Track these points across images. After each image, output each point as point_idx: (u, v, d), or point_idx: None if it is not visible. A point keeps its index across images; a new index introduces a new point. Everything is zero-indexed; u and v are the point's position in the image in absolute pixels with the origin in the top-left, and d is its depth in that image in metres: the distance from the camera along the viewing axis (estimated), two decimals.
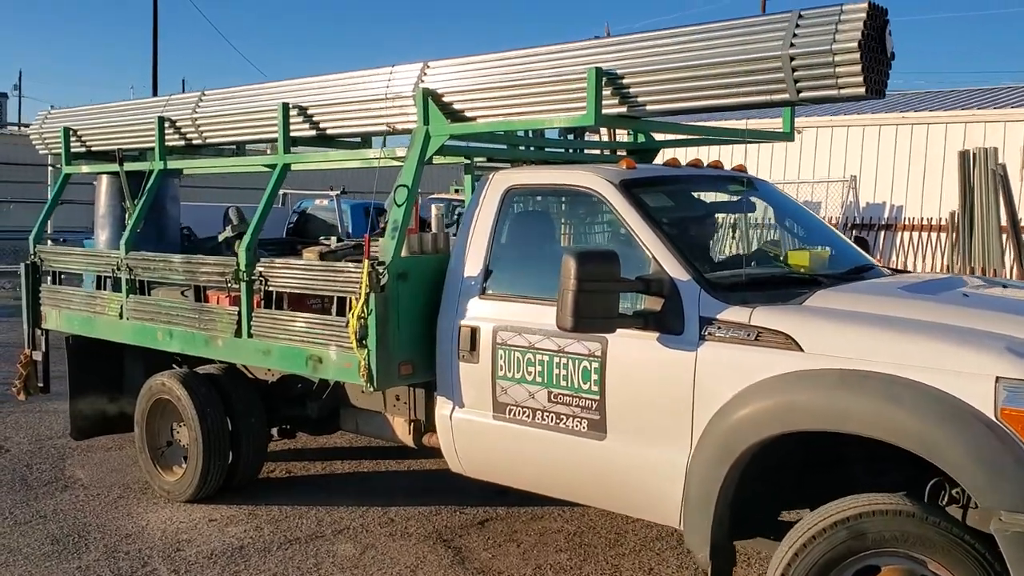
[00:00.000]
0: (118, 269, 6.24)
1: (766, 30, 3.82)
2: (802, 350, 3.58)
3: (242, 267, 5.35)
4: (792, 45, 3.71)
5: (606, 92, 4.23)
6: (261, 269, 5.34)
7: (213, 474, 5.87)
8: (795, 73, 3.72)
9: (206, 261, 5.70)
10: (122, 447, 7.27)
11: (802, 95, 3.77)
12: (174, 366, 6.78)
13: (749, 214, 4.98)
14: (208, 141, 6.30)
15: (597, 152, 6.24)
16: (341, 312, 4.97)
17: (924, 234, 13.53)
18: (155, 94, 31.42)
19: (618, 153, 6.28)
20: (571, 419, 4.24)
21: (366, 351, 4.64)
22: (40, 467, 6.80)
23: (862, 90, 3.62)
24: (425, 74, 4.98)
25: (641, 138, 6.12)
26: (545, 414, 4.33)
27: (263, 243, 6.28)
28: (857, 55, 3.56)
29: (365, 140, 5.99)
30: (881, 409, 3.30)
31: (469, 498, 6.01)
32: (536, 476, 4.51)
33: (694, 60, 4.00)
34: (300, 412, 6.23)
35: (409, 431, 5.49)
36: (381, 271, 4.60)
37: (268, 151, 7.32)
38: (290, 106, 5.52)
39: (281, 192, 15.64)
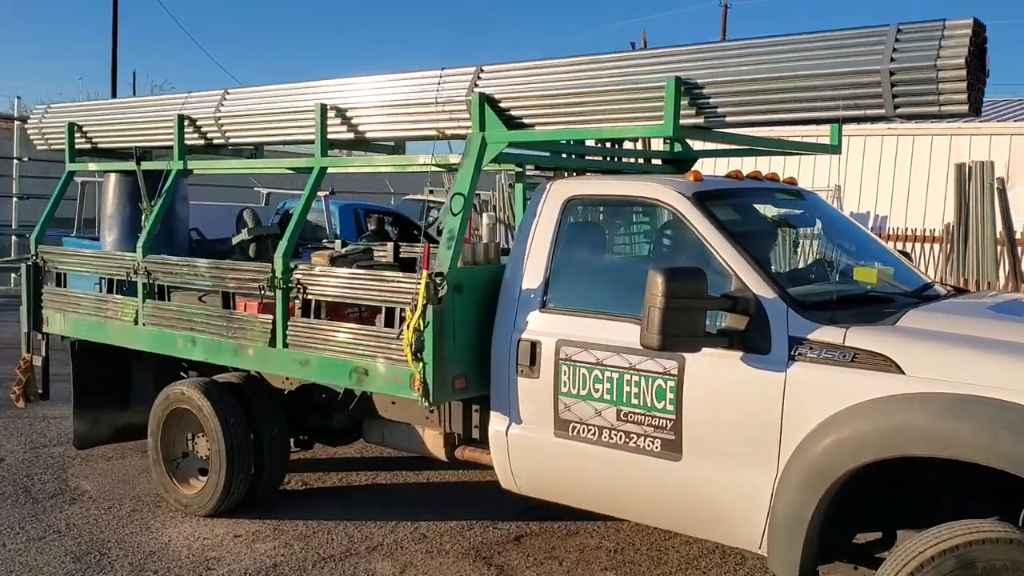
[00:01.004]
0: (135, 273, 5.97)
1: (864, 43, 3.73)
2: (903, 373, 3.49)
3: (279, 274, 5.14)
4: (892, 60, 3.62)
5: (683, 102, 4.11)
6: (299, 276, 5.14)
7: (236, 487, 5.64)
8: (894, 88, 3.64)
9: (238, 266, 5.48)
10: (124, 456, 7.00)
11: (899, 111, 3.69)
12: (183, 374, 6.55)
13: (807, 228, 4.91)
14: (231, 141, 6.07)
15: (637, 160, 6.12)
16: (389, 323, 4.80)
17: (909, 244, 13.68)
18: (114, 88, 30.69)
19: (653, 162, 6.17)
20: (642, 438, 4.11)
21: (421, 364, 4.47)
22: (41, 477, 6.49)
23: (965, 108, 3.55)
24: (479, 78, 4.82)
25: (677, 147, 6.02)
26: (613, 433, 4.20)
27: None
28: (963, 72, 3.49)
29: (399, 145, 5.81)
30: (996, 436, 3.22)
31: (499, 512, 5.85)
32: (600, 496, 4.37)
33: (783, 72, 3.89)
34: (323, 422, 6.04)
35: (443, 444, 5.35)
36: (440, 282, 4.43)
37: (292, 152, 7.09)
38: (327, 107, 5.32)
39: (265, 191, 15.32)
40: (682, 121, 4.12)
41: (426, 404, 4.55)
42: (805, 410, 3.68)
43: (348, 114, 5.33)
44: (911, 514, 3.82)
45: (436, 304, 4.44)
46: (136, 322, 5.97)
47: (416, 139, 5.38)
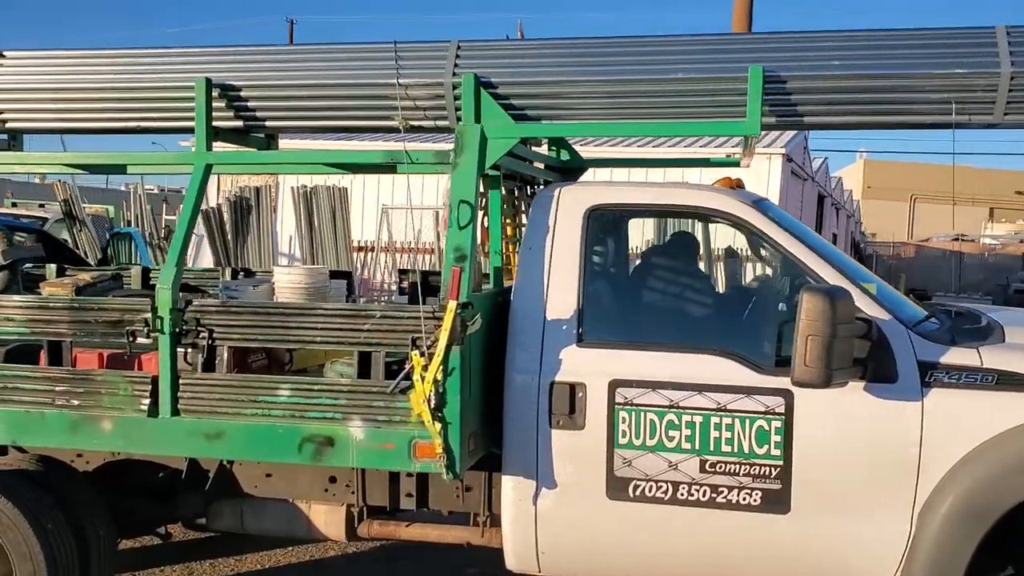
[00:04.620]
0: None
1: (974, 44, 3.48)
2: None
3: (165, 311, 3.64)
4: (1013, 63, 3.41)
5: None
6: (195, 314, 3.68)
7: None
8: (1011, 93, 3.43)
9: (86, 304, 3.79)
10: None
11: (1007, 117, 3.50)
12: None
13: None
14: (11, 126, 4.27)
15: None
16: (363, 371, 3.60)
17: None
18: None
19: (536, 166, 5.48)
20: (737, 492, 3.47)
21: (440, 425, 3.39)
22: None
23: None
24: (459, 58, 3.82)
25: (564, 155, 5.39)
26: (695, 488, 3.50)
27: None
28: None
29: (272, 136, 4.49)
30: None
31: None
32: (676, 568, 3.62)
33: (885, 69, 3.51)
34: (155, 511, 4.51)
35: (343, 521, 4.24)
36: (468, 316, 3.39)
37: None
38: (212, 84, 3.90)
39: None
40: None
41: (450, 477, 3.45)
42: (947, 443, 3.32)
43: (245, 94, 3.96)
44: None
45: (461, 344, 3.39)
46: None
47: (358, 131, 4.17)
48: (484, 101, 3.72)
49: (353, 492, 4.17)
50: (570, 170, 5.30)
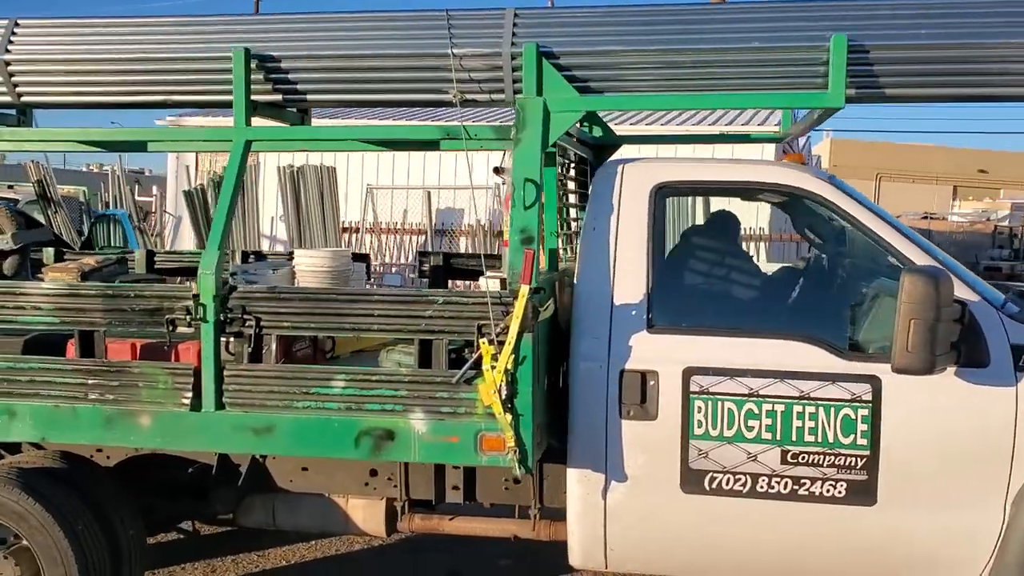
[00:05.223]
0: None
1: None
2: None
3: (210, 297, 3.40)
4: None
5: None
6: (241, 301, 3.44)
7: None
8: None
9: (122, 291, 3.53)
10: None
11: None
12: None
13: None
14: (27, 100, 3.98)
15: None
16: (425, 360, 3.39)
17: None
18: None
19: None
20: (820, 483, 3.31)
21: (511, 417, 3.19)
22: None
23: None
24: (516, 27, 3.59)
25: (596, 131, 5.18)
26: (775, 480, 3.33)
27: None
28: None
29: (304, 112, 4.23)
30: None
31: None
32: (752, 562, 3.46)
33: (970, 39, 3.34)
34: (185, 507, 4.28)
35: (382, 516, 4.05)
36: (541, 301, 3.19)
37: None
38: (251, 54, 3.65)
39: None
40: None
41: (521, 471, 3.25)
42: None
43: (285, 66, 3.70)
44: None
45: (532, 331, 3.19)
46: None
47: (406, 104, 3.93)
48: (546, 72, 3.49)
49: (395, 486, 3.98)
50: (603, 147, 5.10)
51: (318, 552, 5.25)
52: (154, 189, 21.27)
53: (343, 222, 14.67)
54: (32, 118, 4.49)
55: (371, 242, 15.47)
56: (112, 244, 13.11)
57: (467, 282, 5.83)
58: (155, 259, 5.89)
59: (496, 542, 4.34)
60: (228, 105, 3.77)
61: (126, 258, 5.69)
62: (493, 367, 3.16)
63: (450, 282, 5.67)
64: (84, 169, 36.36)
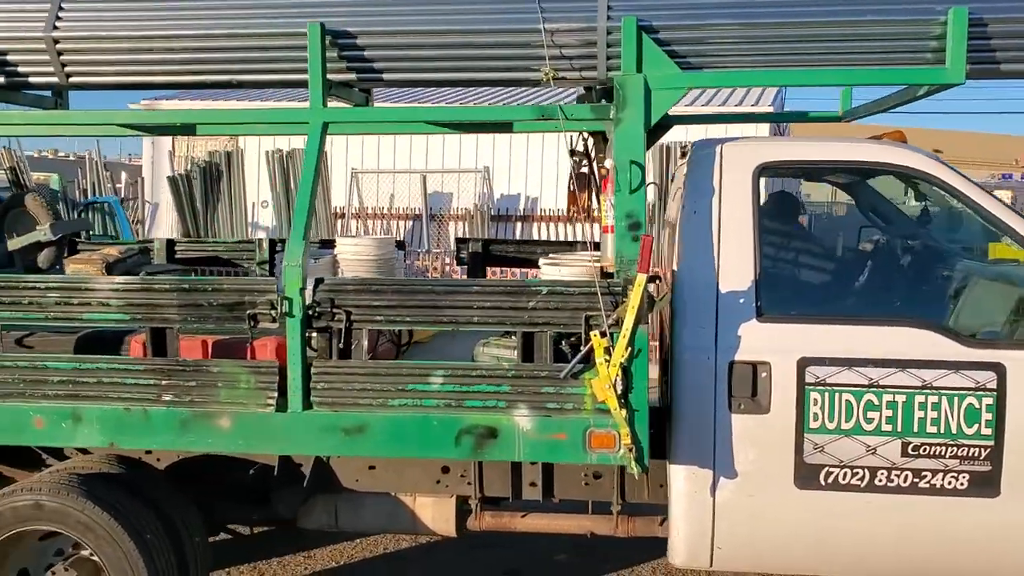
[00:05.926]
0: None
1: None
2: None
3: (295, 291, 3.18)
4: None
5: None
6: (329, 294, 3.22)
7: None
8: None
9: (198, 285, 3.30)
10: None
11: None
12: None
13: None
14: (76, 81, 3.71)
15: None
16: (528, 354, 3.20)
17: (562, 225, 13.88)
18: None
19: None
20: (942, 475, 3.18)
21: (627, 412, 3.02)
22: None
23: None
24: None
25: None
26: (895, 473, 3.20)
27: None
28: None
29: (367, 93, 4.00)
30: None
31: None
32: (869, 558, 3.32)
33: None
34: (254, 511, 4.07)
35: (452, 514, 3.88)
36: (657, 290, 3.02)
37: None
38: (326, 30, 3.41)
39: None
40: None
41: (638, 471, 3.08)
42: None
43: (361, 42, 3.47)
44: None
45: (645, 323, 3.02)
46: None
47: (493, 84, 3.71)
48: (647, 48, 3.30)
49: (469, 483, 3.81)
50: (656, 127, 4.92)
51: (365, 552, 5.06)
52: (123, 176, 20.75)
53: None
54: (67, 100, 4.22)
55: (357, 228, 15.17)
56: (108, 233, 12.69)
57: (516, 270, 5.62)
58: (176, 248, 5.63)
59: (546, 538, 4.19)
60: (298, 85, 3.54)
61: (148, 248, 5.42)
62: (607, 361, 2.99)
63: (488, 270, 5.48)
64: (44, 155, 35.40)
